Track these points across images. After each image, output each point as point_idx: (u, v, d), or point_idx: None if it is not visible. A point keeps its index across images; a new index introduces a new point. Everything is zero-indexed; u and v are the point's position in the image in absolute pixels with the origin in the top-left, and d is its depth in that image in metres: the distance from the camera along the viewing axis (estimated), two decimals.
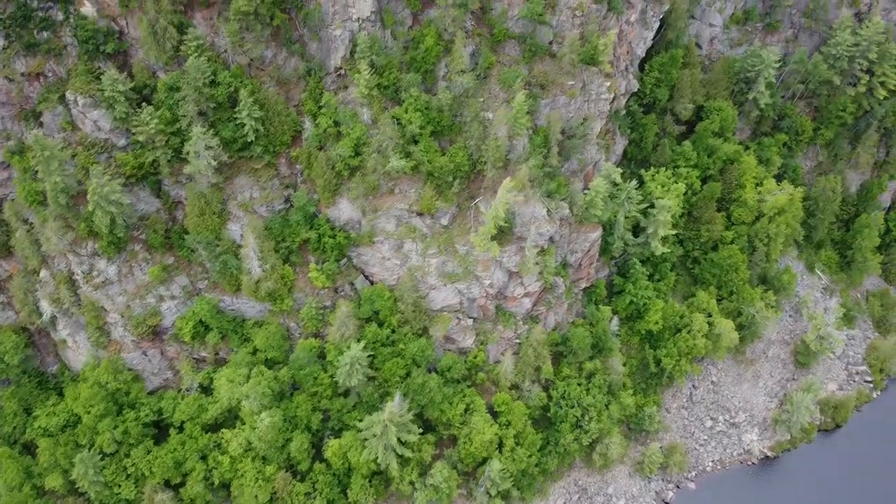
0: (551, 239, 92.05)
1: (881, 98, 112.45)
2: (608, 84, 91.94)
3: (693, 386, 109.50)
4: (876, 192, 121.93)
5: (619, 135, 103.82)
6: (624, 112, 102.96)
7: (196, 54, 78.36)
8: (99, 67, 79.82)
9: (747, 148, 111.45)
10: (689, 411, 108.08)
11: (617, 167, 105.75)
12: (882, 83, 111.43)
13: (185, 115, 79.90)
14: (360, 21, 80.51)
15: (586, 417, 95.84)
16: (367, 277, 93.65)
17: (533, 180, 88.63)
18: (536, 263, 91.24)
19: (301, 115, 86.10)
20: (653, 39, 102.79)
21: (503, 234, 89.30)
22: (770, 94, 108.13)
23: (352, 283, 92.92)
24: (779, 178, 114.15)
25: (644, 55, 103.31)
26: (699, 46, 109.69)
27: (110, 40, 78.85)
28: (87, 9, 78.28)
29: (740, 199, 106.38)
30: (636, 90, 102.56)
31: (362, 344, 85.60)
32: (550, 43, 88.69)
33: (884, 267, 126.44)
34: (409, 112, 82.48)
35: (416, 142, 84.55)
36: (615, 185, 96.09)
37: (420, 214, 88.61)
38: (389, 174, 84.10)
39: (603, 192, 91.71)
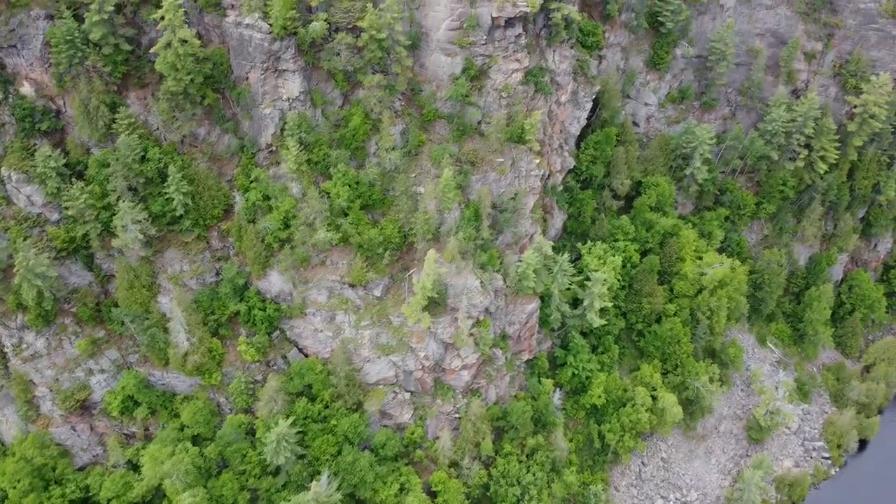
0: (487, 310, 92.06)
1: (821, 172, 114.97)
2: (538, 161, 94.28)
3: (642, 463, 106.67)
4: (825, 265, 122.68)
5: (557, 209, 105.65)
6: (561, 187, 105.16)
7: (127, 132, 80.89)
8: (34, 144, 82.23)
9: (688, 222, 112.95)
10: (638, 489, 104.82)
11: (557, 240, 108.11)
12: (822, 157, 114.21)
13: (114, 190, 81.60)
14: (290, 101, 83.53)
15: (526, 497, 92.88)
16: (300, 350, 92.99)
17: (464, 252, 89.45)
18: (471, 335, 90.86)
19: (234, 189, 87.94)
20: (587, 118, 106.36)
21: (436, 306, 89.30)
22: (708, 169, 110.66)
23: (284, 357, 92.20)
24: (723, 251, 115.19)
25: (579, 133, 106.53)
26: (636, 124, 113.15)
27: (46, 118, 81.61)
28: (26, 89, 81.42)
29: (681, 273, 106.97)
30: (572, 167, 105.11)
31: (290, 420, 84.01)
32: (479, 122, 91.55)
33: (839, 340, 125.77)
34: (338, 186, 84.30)
35: (345, 214, 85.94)
36: (549, 257, 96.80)
37: (352, 286, 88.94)
38: (318, 246, 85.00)
39: (534, 265, 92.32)
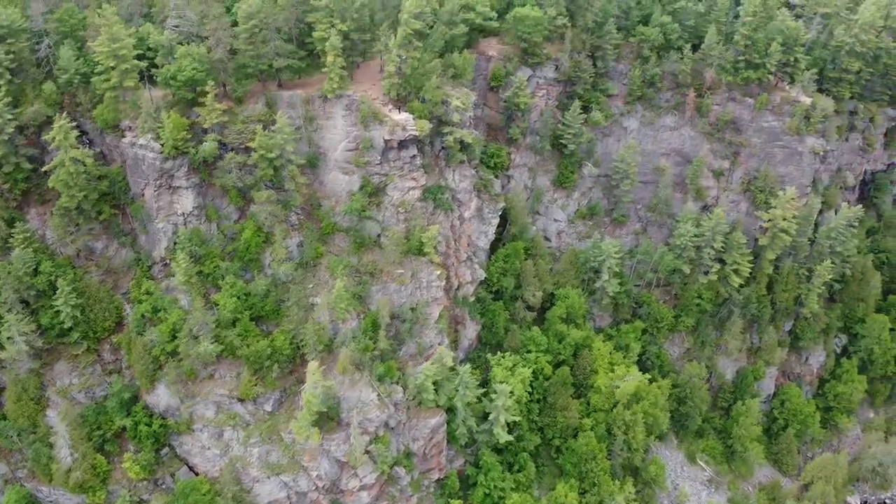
0: (386, 424, 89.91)
1: (736, 286, 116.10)
2: (438, 272, 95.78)
3: None
4: (752, 379, 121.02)
5: (469, 320, 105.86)
6: (473, 298, 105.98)
7: (23, 245, 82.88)
8: None
9: (604, 334, 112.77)
10: None
11: (472, 351, 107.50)
12: (735, 271, 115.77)
13: (4, 302, 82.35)
14: (185, 215, 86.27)
15: None
16: (191, 468, 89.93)
17: (360, 364, 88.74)
18: (367, 452, 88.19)
19: (129, 302, 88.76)
20: (496, 233, 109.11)
21: (328, 421, 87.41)
22: (619, 282, 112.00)
23: (173, 475, 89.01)
24: (643, 364, 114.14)
25: (491, 246, 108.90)
26: (548, 239, 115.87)
27: None
28: None
29: (595, 386, 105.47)
30: (483, 278, 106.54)
31: None
32: (379, 235, 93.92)
33: (775, 457, 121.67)
34: (226, 298, 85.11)
35: (234, 326, 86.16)
36: (451, 369, 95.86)
37: (241, 400, 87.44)
38: (202, 358, 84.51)
39: (433, 376, 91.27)
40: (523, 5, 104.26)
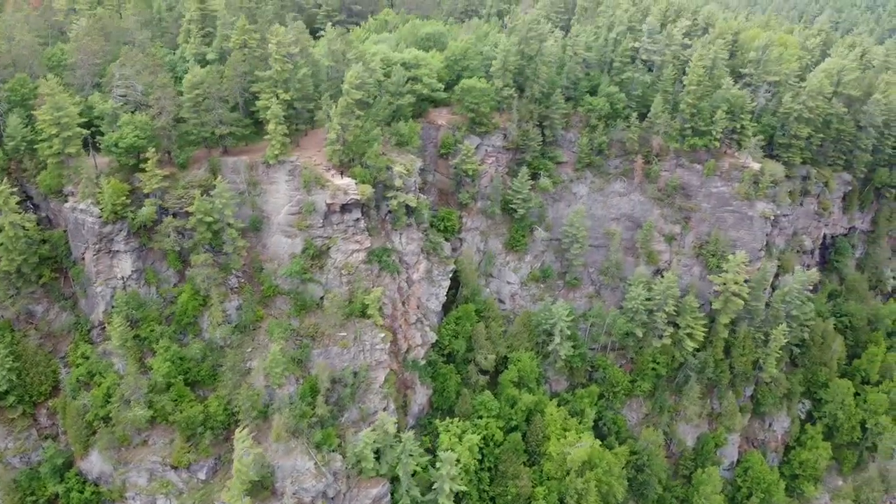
0: (324, 494, 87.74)
1: (690, 349, 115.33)
2: (382, 335, 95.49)
3: None
4: (712, 446, 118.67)
5: (420, 384, 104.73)
6: (424, 362, 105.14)
7: None
8: None
9: (556, 396, 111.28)
10: None
11: (423, 417, 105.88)
12: (689, 335, 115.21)
13: None
14: (124, 279, 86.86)
15: None
16: None
17: (296, 430, 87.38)
18: None
19: (67, 365, 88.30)
20: (448, 295, 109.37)
21: (262, 490, 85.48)
22: (573, 345, 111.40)
23: None
24: (599, 430, 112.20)
25: (443, 308, 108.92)
26: (502, 301, 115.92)
27: None
28: None
29: (547, 453, 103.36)
30: (434, 341, 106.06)
31: None
32: (322, 298, 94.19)
33: None
34: (160, 362, 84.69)
35: (168, 390, 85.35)
36: (396, 436, 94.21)
37: (175, 468, 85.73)
38: (134, 424, 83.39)
39: (373, 444, 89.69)
40: (471, 77, 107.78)
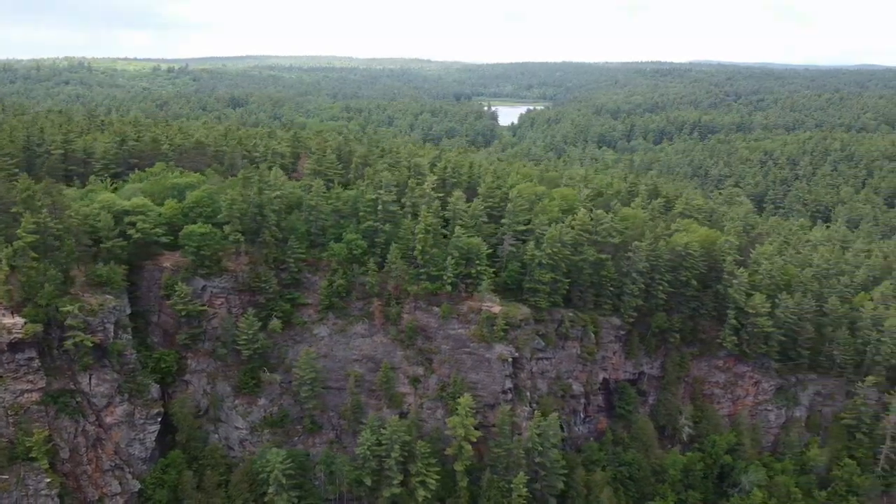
0: None
1: (421, 499, 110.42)
2: (48, 481, 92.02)
3: None
4: None
5: None
6: None
7: None
8: None
9: None
10: None
11: None
12: (422, 483, 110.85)
13: None
14: None
15: None
16: None
17: None
18: None
19: None
20: (164, 441, 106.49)
21: None
22: (298, 495, 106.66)
23: None
24: None
25: (150, 455, 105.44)
26: (231, 448, 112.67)
27: None
28: None
29: None
30: (137, 489, 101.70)
31: None
32: None
33: None
34: None
35: None
36: None
37: None
38: None
39: None
40: (195, 223, 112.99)
